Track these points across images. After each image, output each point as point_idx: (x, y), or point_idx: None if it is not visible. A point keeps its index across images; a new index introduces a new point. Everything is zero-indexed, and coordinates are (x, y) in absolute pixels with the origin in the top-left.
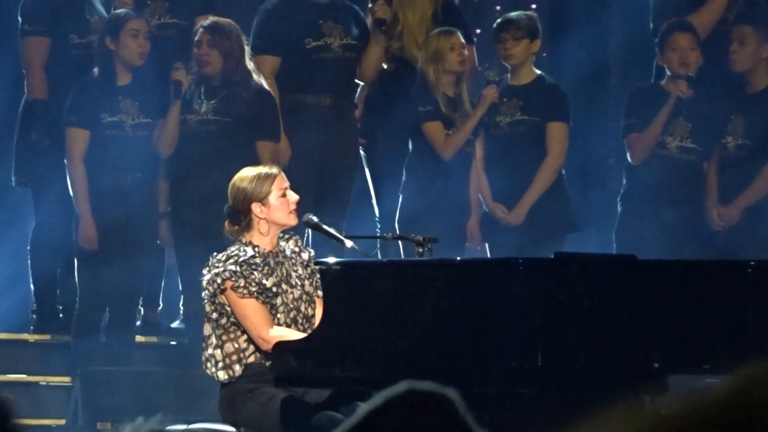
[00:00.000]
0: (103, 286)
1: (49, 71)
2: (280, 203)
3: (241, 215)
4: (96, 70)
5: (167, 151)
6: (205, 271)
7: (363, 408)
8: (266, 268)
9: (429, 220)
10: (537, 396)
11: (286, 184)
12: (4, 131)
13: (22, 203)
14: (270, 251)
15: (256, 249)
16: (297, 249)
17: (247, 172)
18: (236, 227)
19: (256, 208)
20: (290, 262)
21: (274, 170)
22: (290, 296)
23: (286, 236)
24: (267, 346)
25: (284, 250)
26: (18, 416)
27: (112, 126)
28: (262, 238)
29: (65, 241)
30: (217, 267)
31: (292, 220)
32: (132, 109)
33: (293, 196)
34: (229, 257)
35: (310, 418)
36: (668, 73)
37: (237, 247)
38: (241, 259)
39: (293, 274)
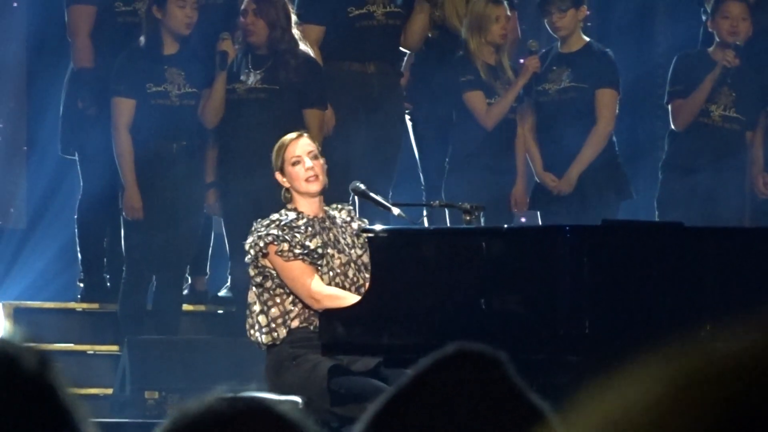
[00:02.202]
0: (149, 255)
1: (95, 39)
2: (293, 171)
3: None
4: (142, 39)
5: (213, 121)
6: (249, 237)
7: (411, 370)
8: (309, 229)
9: (475, 189)
10: (585, 363)
11: (300, 152)
12: (51, 101)
13: (70, 173)
14: (315, 216)
15: (300, 214)
16: (348, 219)
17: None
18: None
19: (279, 177)
20: (339, 229)
21: (287, 139)
22: (336, 261)
23: (339, 206)
24: (318, 305)
25: (334, 218)
26: (58, 374)
27: (158, 96)
28: (303, 204)
29: (112, 210)
30: (260, 231)
31: (310, 187)
32: (178, 79)
33: (306, 163)
34: (271, 222)
35: (356, 386)
36: (717, 39)
37: (280, 212)
38: (282, 223)
39: (341, 240)
